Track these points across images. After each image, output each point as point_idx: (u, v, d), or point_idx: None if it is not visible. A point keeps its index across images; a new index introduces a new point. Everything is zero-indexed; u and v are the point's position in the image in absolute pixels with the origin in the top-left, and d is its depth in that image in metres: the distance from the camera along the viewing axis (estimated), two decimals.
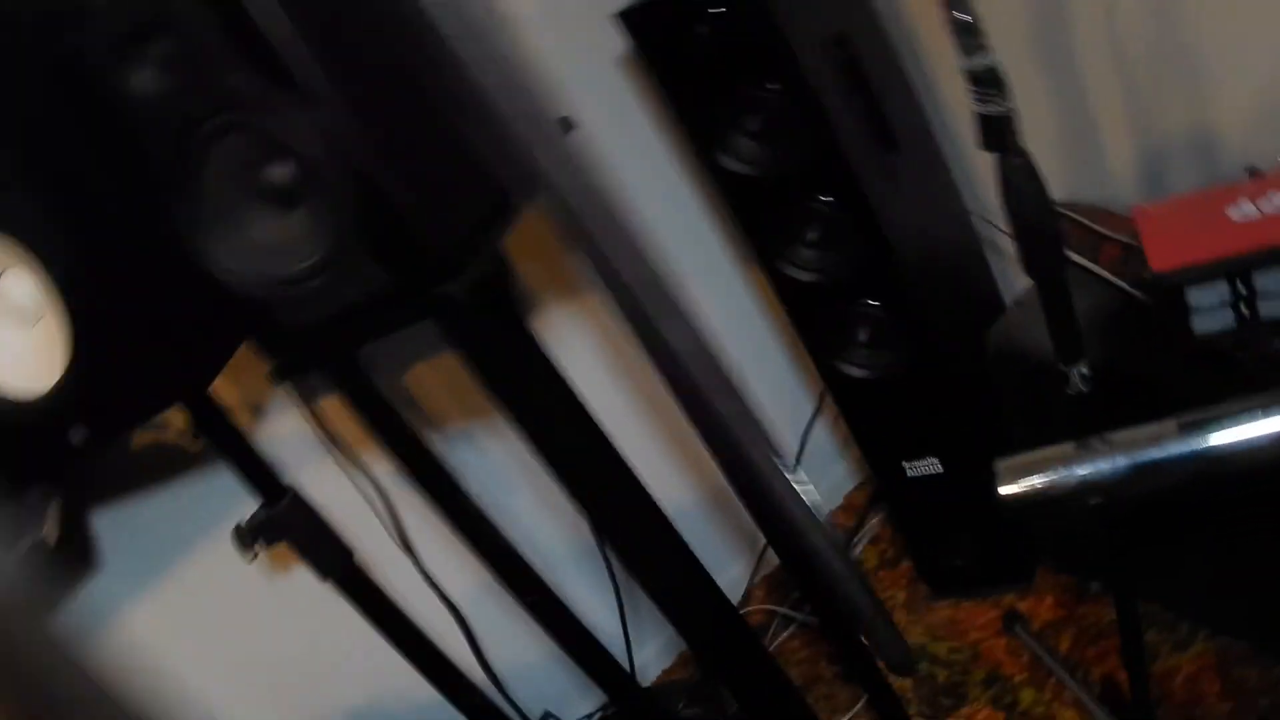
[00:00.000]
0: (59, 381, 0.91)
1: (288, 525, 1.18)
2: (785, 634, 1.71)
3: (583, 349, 1.54)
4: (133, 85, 0.76)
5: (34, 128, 0.83)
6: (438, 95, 0.86)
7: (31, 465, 1.02)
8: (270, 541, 1.18)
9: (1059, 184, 1.61)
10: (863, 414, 1.50)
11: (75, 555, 1.29)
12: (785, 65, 1.20)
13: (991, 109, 0.78)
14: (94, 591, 1.30)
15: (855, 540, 1.80)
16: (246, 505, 1.17)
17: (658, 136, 1.52)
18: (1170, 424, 0.98)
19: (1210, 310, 0.86)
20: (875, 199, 1.27)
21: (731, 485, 0.50)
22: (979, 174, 1.56)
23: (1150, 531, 1.17)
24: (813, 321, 1.40)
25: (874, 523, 1.81)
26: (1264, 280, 0.87)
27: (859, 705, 1.55)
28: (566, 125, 1.01)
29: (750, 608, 1.78)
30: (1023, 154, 0.83)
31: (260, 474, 1.17)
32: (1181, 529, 1.21)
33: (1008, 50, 0.81)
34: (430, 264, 0.72)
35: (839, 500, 1.90)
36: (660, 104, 1.32)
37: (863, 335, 1.38)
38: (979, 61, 0.78)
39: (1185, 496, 0.96)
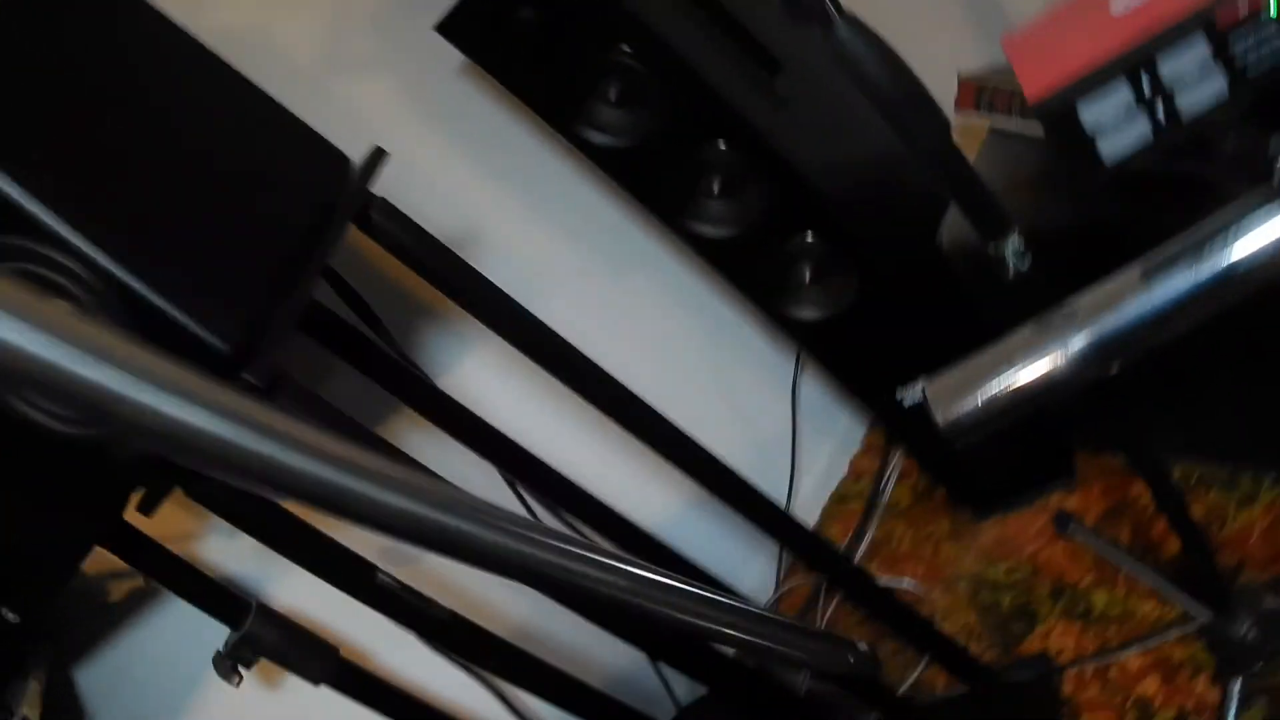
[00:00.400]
0: None
1: (259, 641, 1.12)
2: (836, 601, 1.60)
3: (511, 386, 1.40)
4: None
5: None
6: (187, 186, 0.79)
7: None
8: (247, 663, 1.12)
9: (977, 54, 1.49)
10: (837, 354, 1.39)
11: None
12: (625, 20, 1.11)
13: None
14: None
15: (884, 481, 1.69)
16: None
17: (535, 140, 1.42)
18: (1132, 273, 0.86)
19: (1116, 126, 0.74)
20: (768, 128, 1.17)
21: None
22: None
23: (1162, 385, 1.04)
24: (750, 275, 1.30)
25: (897, 459, 1.69)
26: (1173, 66, 0.73)
27: (928, 657, 1.43)
28: (378, 157, 0.94)
29: (791, 584, 1.67)
30: (851, 22, 0.73)
31: (215, 597, 1.11)
32: (1197, 372, 1.08)
33: None
34: (219, 359, 0.65)
35: (857, 446, 1.78)
36: (516, 103, 1.23)
37: (807, 273, 1.27)
38: None
39: (1181, 344, 0.84)
